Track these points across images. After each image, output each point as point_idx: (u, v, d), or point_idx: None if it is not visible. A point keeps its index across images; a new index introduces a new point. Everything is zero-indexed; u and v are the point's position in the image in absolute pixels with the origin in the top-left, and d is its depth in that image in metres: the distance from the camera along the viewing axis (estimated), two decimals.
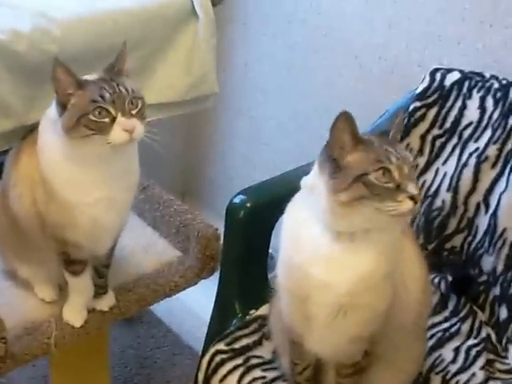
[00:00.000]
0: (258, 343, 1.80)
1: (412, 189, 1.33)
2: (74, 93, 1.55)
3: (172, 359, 2.53)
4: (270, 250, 1.92)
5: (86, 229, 1.68)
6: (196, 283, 2.03)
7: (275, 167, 2.58)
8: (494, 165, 1.89)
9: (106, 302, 1.87)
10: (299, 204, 1.47)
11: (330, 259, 1.41)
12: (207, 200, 3.10)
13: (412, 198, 1.32)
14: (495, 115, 1.90)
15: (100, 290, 1.86)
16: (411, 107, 1.99)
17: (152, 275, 1.98)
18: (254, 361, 1.75)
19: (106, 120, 1.54)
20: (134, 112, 1.56)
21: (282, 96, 2.66)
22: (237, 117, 2.86)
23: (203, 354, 1.80)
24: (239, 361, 1.74)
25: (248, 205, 1.86)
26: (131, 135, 1.55)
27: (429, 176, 1.99)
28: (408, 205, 1.32)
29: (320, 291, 1.44)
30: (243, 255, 1.88)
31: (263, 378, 1.71)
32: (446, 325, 1.90)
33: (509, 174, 1.85)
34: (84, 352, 2.04)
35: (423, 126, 1.99)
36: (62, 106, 1.56)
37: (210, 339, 1.84)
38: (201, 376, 1.76)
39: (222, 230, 1.96)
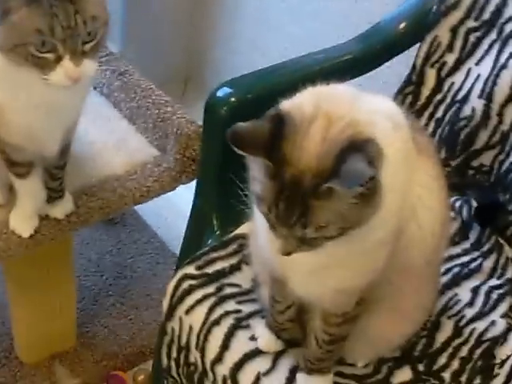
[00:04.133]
0: (235, 268, 1.49)
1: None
2: (19, 7, 1.20)
3: (154, 269, 2.24)
4: None
5: (22, 132, 1.39)
6: (173, 189, 1.74)
7: (284, 55, 2.26)
8: None
9: (62, 209, 1.59)
10: None
11: None
12: (211, 88, 2.77)
13: None
14: None
15: (54, 194, 1.57)
16: None
17: (121, 177, 1.69)
18: (229, 290, 1.45)
19: (50, 57, 1.22)
20: (87, 49, 1.24)
21: None
22: None
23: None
24: (211, 289, 1.44)
25: (233, 99, 1.51)
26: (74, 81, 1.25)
27: (458, 77, 1.64)
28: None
29: None
30: (225, 161, 1.55)
31: (237, 311, 1.41)
32: (464, 259, 1.57)
33: None
34: (43, 264, 1.78)
35: (455, 16, 1.63)
36: (2, 13, 1.21)
37: (182, 260, 1.54)
38: (165, 304, 1.47)
39: None
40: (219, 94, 1.53)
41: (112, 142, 1.76)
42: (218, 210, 1.57)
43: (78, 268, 2.10)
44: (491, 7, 1.59)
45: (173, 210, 2.42)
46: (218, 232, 1.56)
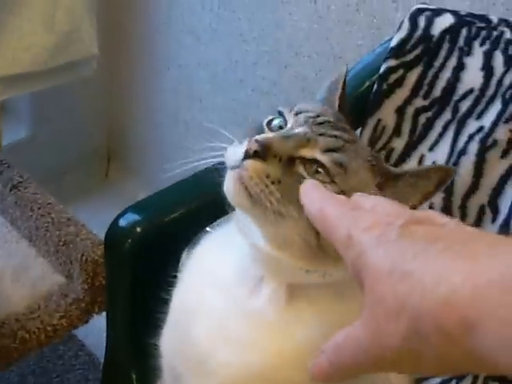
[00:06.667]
0: None
1: None
2: None
3: None
4: None
5: None
6: (85, 322, 1.46)
7: (210, 129, 2.02)
8: (505, 153, 1.27)
9: None
10: None
11: None
12: (136, 165, 2.52)
13: None
14: (507, 80, 1.28)
15: None
16: (383, 68, 1.36)
17: (22, 316, 1.40)
18: None
19: None
20: None
21: (216, 40, 2.04)
22: (164, 66, 2.25)
23: None
24: None
25: (138, 229, 1.21)
26: None
27: (410, 165, 1.38)
28: None
29: None
30: (138, 302, 1.27)
31: None
32: None
33: None
34: None
35: (401, 95, 1.35)
36: None
37: None
38: None
39: None
40: (122, 223, 1.22)
41: (10, 269, 1.49)
42: (138, 364, 1.27)
43: None
44: (442, 83, 1.33)
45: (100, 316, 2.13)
46: None
